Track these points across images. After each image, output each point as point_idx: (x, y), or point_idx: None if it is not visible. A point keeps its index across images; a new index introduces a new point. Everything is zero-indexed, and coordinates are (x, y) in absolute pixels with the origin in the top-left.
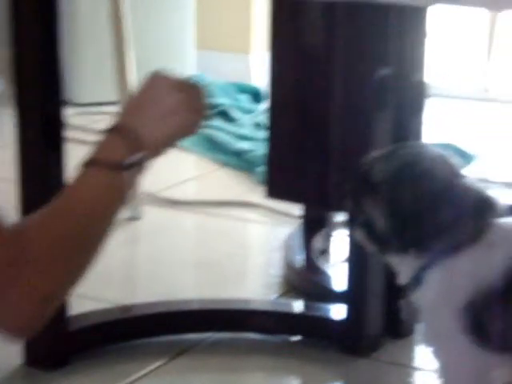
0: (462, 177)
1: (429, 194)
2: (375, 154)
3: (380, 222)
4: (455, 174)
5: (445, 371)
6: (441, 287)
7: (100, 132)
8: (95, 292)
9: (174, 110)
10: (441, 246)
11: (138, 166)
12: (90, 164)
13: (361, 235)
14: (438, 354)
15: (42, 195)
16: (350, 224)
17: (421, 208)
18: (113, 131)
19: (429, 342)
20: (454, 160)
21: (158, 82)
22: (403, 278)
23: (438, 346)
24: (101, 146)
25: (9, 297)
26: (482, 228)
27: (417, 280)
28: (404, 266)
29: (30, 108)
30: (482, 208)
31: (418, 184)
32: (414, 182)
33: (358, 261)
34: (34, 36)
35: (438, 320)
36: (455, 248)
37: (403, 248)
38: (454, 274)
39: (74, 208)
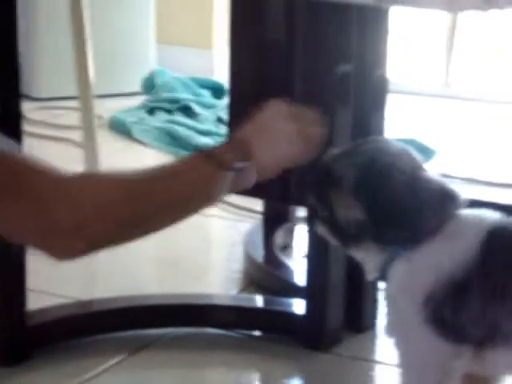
0: (425, 170)
1: (392, 187)
2: (336, 149)
3: (343, 216)
4: (418, 168)
5: (404, 362)
6: (402, 279)
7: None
8: (55, 288)
9: (287, 138)
10: (403, 238)
11: (239, 174)
12: (201, 154)
13: (323, 230)
14: (398, 344)
15: None
16: (311, 219)
17: (384, 202)
18: (230, 140)
19: (390, 332)
20: (416, 154)
21: (276, 108)
22: (370, 273)
23: (399, 336)
24: (215, 147)
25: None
26: (444, 220)
27: (382, 274)
28: (369, 261)
29: None
30: (443, 200)
31: (381, 178)
32: (377, 175)
33: (317, 255)
34: None
35: (399, 311)
36: (417, 240)
37: (367, 242)
38: (416, 266)
39: (169, 187)
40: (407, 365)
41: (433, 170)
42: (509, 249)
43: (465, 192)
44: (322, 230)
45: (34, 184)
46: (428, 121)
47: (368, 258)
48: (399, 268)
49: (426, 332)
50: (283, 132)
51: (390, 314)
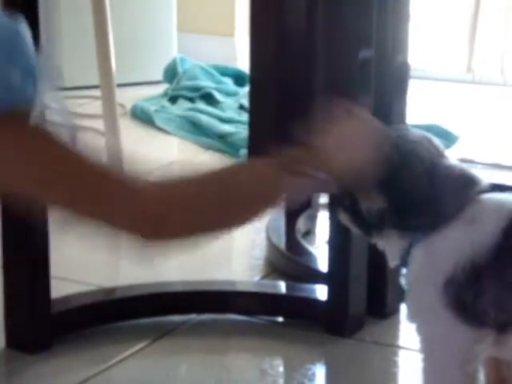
0: (445, 156)
1: (413, 175)
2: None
3: (365, 205)
4: (438, 154)
5: (425, 347)
6: (424, 263)
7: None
8: (79, 275)
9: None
10: (424, 224)
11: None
12: (276, 162)
13: (345, 219)
14: (419, 329)
15: None
16: (334, 207)
17: (405, 190)
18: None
19: (412, 318)
20: (437, 141)
21: (358, 128)
22: (392, 259)
23: (420, 321)
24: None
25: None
26: (464, 205)
27: (404, 260)
28: (391, 248)
29: None
30: (464, 185)
31: (402, 166)
32: (398, 164)
33: (339, 241)
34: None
35: (420, 295)
36: (438, 225)
37: (388, 230)
38: (436, 250)
39: (230, 187)
40: (429, 350)
41: (455, 155)
42: None
43: (489, 177)
44: (344, 218)
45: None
46: (451, 106)
47: (389, 245)
48: (419, 253)
49: (447, 316)
50: (358, 140)
51: (410, 299)
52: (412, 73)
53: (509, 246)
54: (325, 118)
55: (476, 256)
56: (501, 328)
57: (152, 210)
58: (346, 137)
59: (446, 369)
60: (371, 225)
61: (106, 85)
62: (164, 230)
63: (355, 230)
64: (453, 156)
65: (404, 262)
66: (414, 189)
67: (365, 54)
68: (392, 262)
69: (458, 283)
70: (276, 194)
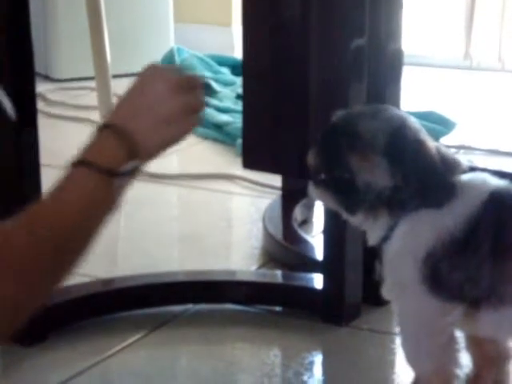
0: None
1: (426, 153)
2: (343, 112)
3: (365, 181)
4: (426, 136)
5: (400, 320)
6: (403, 239)
7: (93, 127)
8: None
9: (172, 117)
10: (411, 203)
11: (131, 174)
12: (82, 165)
13: (323, 194)
14: (396, 303)
15: (15, 169)
16: (314, 181)
17: (421, 167)
18: (107, 131)
19: (388, 292)
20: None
21: (156, 81)
22: (374, 238)
23: (397, 295)
24: (93, 146)
25: None
26: (455, 183)
27: (386, 239)
28: (374, 226)
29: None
30: (452, 165)
31: (416, 143)
32: (411, 141)
33: (335, 230)
34: (3, 10)
35: (398, 270)
36: (443, 203)
37: (380, 208)
38: (417, 226)
39: (60, 211)
40: (403, 323)
41: (453, 141)
42: (508, 211)
43: (486, 163)
44: (321, 193)
45: None
46: (449, 93)
47: (374, 223)
48: (401, 229)
49: (421, 290)
50: (166, 111)
51: (388, 274)
52: (410, 59)
53: (488, 223)
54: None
55: (456, 231)
56: (474, 303)
57: None
58: (145, 104)
59: (418, 341)
60: (360, 202)
61: (101, 76)
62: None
63: (333, 207)
64: (451, 142)
65: (385, 239)
66: (429, 166)
67: (358, 41)
68: (372, 240)
69: (437, 257)
70: (111, 201)
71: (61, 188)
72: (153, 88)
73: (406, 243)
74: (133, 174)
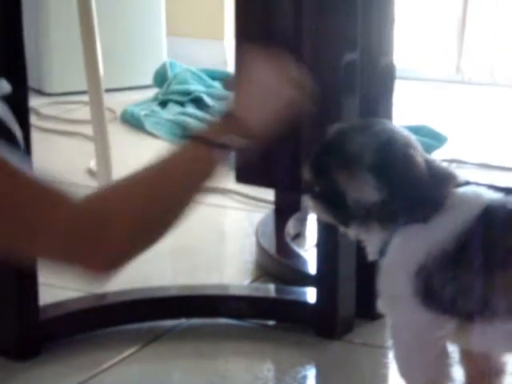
0: (423, 152)
1: (414, 168)
2: (337, 127)
3: (353, 195)
4: (419, 149)
5: (393, 333)
6: (398, 252)
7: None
8: (68, 281)
9: (275, 89)
10: (420, 216)
11: (231, 147)
12: (195, 139)
13: (317, 207)
14: (390, 316)
15: None
16: (309, 195)
17: (408, 182)
18: (224, 118)
19: (383, 305)
20: (411, 135)
21: (269, 73)
22: (372, 252)
23: (390, 308)
24: (210, 128)
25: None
26: (444, 197)
27: (382, 253)
28: (372, 240)
29: None
30: (447, 179)
31: (403, 159)
32: (399, 156)
33: (328, 244)
34: None
35: (391, 283)
36: (430, 217)
37: (371, 222)
38: (410, 239)
39: (166, 177)
40: (395, 335)
41: (445, 155)
42: (501, 225)
43: (477, 177)
44: (316, 207)
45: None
46: (441, 107)
47: (370, 237)
48: (395, 243)
49: (413, 303)
50: (271, 85)
51: (382, 286)
52: (402, 74)
53: (480, 237)
54: (244, 71)
55: (448, 245)
56: (467, 317)
57: (87, 226)
58: (259, 90)
59: (410, 354)
60: (351, 215)
61: (94, 90)
62: (103, 246)
63: (328, 220)
64: (442, 156)
65: (381, 253)
66: (417, 181)
67: (350, 55)
68: (372, 254)
69: (429, 270)
70: (210, 168)
71: (171, 159)
72: (266, 76)
73: (398, 257)
74: (234, 148)
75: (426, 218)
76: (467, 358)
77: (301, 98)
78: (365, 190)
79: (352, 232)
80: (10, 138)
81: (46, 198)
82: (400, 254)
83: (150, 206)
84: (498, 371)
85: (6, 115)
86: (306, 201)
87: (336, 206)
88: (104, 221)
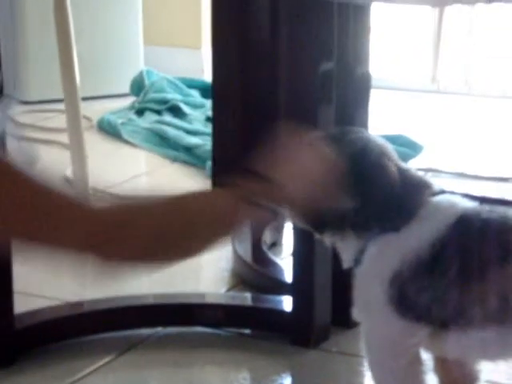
0: (397, 160)
1: (386, 176)
2: (315, 136)
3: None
4: (395, 158)
5: (366, 340)
6: (372, 260)
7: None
8: (43, 290)
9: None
10: (391, 225)
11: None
12: (226, 188)
13: (294, 215)
14: (363, 323)
15: None
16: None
17: (379, 190)
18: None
19: (357, 313)
20: (389, 146)
21: (306, 153)
22: (346, 260)
23: (365, 315)
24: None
25: None
26: (420, 206)
27: (357, 260)
28: (347, 248)
29: None
30: (420, 188)
31: (375, 168)
32: (370, 165)
33: (303, 252)
34: None
35: (365, 291)
36: (402, 226)
37: (345, 230)
38: (385, 247)
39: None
40: (369, 343)
41: (420, 164)
42: (476, 233)
43: (453, 186)
44: (292, 215)
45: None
46: (416, 116)
47: (345, 245)
48: (370, 252)
49: (387, 311)
50: (313, 170)
51: (357, 295)
52: (377, 83)
53: (455, 245)
54: (281, 146)
55: (423, 253)
56: (441, 325)
57: (101, 232)
58: (299, 167)
59: (383, 361)
60: (326, 224)
61: (70, 98)
62: (113, 254)
63: (305, 228)
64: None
65: (357, 262)
66: (383, 192)
67: (326, 65)
68: (346, 262)
69: (403, 278)
70: (230, 225)
71: (200, 196)
72: (304, 160)
73: (372, 265)
74: (263, 208)
75: (397, 227)
76: (441, 366)
77: (331, 187)
78: (334, 200)
79: (327, 239)
80: None
81: (72, 199)
82: (374, 262)
83: (167, 228)
84: (472, 379)
85: None
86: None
87: (309, 215)
88: (124, 223)
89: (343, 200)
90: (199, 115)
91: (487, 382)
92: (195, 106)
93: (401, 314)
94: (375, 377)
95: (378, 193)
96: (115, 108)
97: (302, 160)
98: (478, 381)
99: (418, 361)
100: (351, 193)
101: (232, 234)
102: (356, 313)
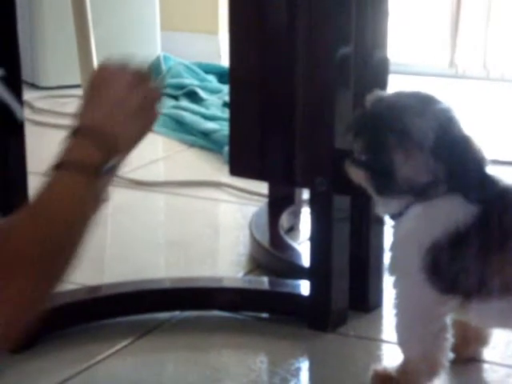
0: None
1: (472, 148)
2: (385, 99)
3: (405, 172)
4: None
5: (397, 303)
6: (414, 224)
7: (67, 132)
8: None
9: (138, 109)
10: (476, 195)
11: (113, 170)
12: (63, 167)
13: (358, 174)
14: (395, 284)
15: (3, 177)
16: (351, 163)
17: (467, 162)
18: (81, 133)
19: (391, 271)
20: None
21: (111, 81)
22: (383, 210)
23: (398, 277)
24: (71, 149)
25: None
26: (496, 181)
27: (399, 214)
28: (391, 205)
29: None
30: (480, 165)
31: (463, 141)
32: (458, 139)
33: (321, 237)
34: None
35: (403, 254)
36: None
37: (414, 195)
38: (429, 214)
39: (50, 213)
40: (400, 306)
41: None
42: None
43: None
44: (358, 174)
45: None
46: None
47: (392, 202)
48: (414, 212)
49: (421, 278)
50: (131, 104)
51: (394, 254)
52: (395, 68)
53: (488, 221)
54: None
55: (460, 225)
56: (466, 295)
57: None
58: (112, 101)
59: (412, 326)
60: (394, 190)
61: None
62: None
63: (366, 187)
64: None
65: (397, 216)
66: (475, 161)
67: (344, 50)
68: (383, 212)
69: (440, 248)
70: (96, 199)
71: (44, 193)
72: (110, 88)
73: (413, 229)
74: (113, 171)
75: (475, 200)
76: (458, 325)
77: (157, 114)
78: (420, 172)
79: (380, 199)
80: (8, 114)
81: None
82: (416, 227)
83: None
84: (482, 341)
85: (2, 93)
86: (347, 164)
87: (380, 177)
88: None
89: (426, 174)
90: (216, 100)
91: (483, 361)
92: (212, 91)
93: (433, 284)
94: (401, 339)
95: (466, 166)
96: None
97: (127, 100)
98: (487, 343)
99: (444, 328)
100: (436, 168)
101: (98, 209)
102: (391, 270)
